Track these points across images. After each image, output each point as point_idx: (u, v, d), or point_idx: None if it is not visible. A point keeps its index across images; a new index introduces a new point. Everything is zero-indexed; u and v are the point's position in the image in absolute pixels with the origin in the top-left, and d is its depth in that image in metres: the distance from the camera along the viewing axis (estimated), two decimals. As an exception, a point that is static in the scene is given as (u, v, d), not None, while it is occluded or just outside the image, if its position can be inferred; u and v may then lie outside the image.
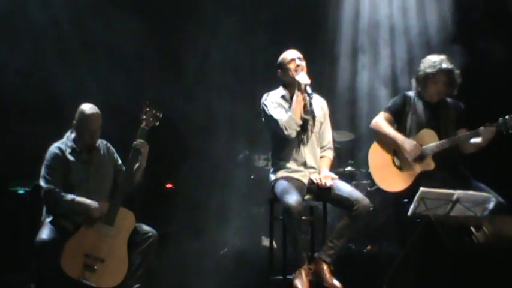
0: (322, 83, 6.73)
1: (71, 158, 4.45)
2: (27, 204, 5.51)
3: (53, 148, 4.46)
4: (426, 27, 6.79)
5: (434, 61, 4.82)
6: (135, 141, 4.49)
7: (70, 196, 4.31)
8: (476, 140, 4.72)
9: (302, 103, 4.60)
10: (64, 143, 4.49)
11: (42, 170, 4.40)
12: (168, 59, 7.04)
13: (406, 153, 4.84)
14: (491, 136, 4.64)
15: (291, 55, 4.71)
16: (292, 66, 4.67)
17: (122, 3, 6.49)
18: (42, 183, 4.37)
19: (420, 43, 6.76)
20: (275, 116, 4.60)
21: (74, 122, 4.50)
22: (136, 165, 4.52)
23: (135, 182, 4.55)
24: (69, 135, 4.53)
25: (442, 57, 4.85)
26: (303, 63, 4.68)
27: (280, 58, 4.76)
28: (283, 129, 4.54)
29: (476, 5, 6.24)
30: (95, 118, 4.49)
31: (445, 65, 4.79)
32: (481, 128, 4.65)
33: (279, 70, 4.76)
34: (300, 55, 4.72)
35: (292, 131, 4.56)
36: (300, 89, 4.57)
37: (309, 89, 4.58)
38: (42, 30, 6.27)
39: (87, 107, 4.50)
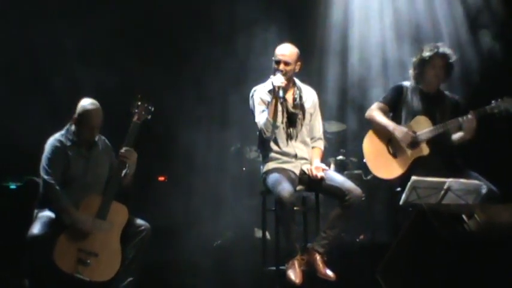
0: (312, 73, 6.76)
1: (70, 152, 4.41)
2: (19, 200, 5.48)
3: (53, 140, 4.42)
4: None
5: (430, 47, 4.88)
6: (121, 149, 4.41)
7: (65, 202, 4.25)
8: (459, 133, 4.79)
9: (274, 105, 4.52)
10: (64, 136, 4.45)
11: (43, 161, 4.36)
12: (159, 50, 7.02)
13: (398, 140, 4.86)
14: (473, 123, 4.67)
15: (277, 56, 4.62)
16: (275, 67, 4.63)
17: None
18: (42, 173, 4.33)
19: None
20: (256, 119, 4.63)
21: (75, 116, 4.43)
22: (124, 171, 4.44)
23: (124, 185, 4.47)
24: (69, 128, 4.47)
25: (439, 43, 4.94)
26: (286, 66, 4.59)
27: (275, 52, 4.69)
28: (262, 132, 4.57)
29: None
30: (96, 114, 4.43)
31: (441, 50, 4.85)
32: (467, 115, 4.69)
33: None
34: (284, 58, 4.59)
35: (269, 134, 4.57)
36: (273, 92, 4.54)
37: (281, 92, 4.53)
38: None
39: (88, 102, 4.45)
